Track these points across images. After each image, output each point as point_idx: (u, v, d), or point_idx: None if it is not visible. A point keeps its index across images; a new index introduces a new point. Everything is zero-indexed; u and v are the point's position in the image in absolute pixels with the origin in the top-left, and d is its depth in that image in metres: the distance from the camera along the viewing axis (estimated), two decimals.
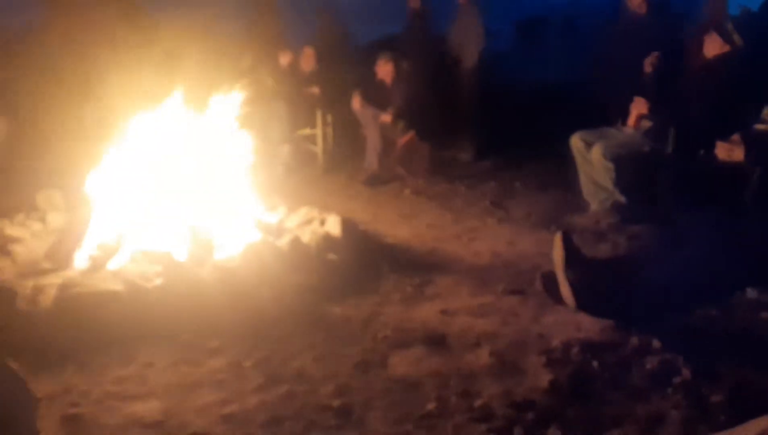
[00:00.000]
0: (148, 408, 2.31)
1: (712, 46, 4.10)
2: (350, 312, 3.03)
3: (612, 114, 4.61)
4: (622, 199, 4.36)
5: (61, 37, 4.63)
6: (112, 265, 3.26)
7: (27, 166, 4.46)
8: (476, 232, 4.28)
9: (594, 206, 4.48)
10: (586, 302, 2.89)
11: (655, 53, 4.25)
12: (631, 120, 4.31)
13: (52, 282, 3.00)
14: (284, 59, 5.89)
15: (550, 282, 3.06)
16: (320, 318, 2.98)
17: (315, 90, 5.84)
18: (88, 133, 3.60)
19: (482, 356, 2.62)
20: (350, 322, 2.95)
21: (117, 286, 2.90)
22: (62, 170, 3.95)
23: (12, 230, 3.61)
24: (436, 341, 2.75)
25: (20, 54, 4.59)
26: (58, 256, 3.28)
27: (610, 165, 4.29)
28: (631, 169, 4.32)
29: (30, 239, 3.54)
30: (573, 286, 2.92)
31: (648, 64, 4.26)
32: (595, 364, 2.53)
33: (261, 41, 6.11)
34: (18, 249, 3.40)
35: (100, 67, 4.15)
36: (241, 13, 6.24)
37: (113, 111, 3.64)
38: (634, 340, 2.68)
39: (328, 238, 3.54)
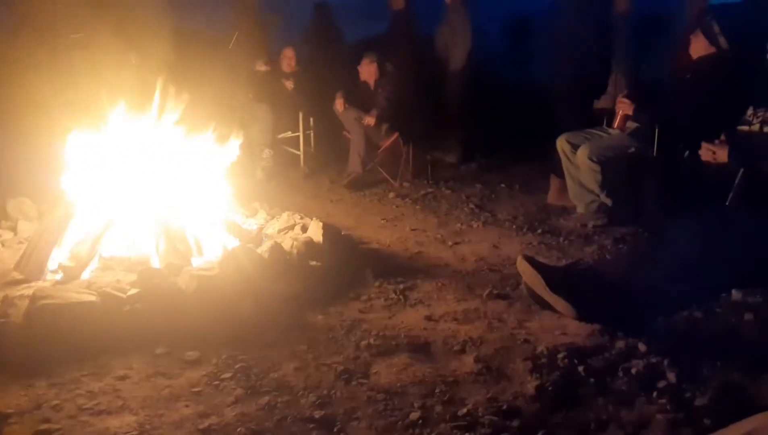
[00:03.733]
0: (122, 423, 2.23)
1: (699, 47, 4.08)
2: (333, 320, 2.97)
3: (568, 112, 4.61)
4: (608, 201, 4.35)
5: (32, 39, 4.51)
6: (85, 275, 3.18)
7: None
8: (461, 235, 4.25)
9: (580, 209, 4.47)
10: (585, 310, 2.85)
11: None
12: (617, 121, 4.30)
13: (23, 293, 2.91)
14: (261, 67, 5.83)
15: (533, 293, 3.03)
16: (302, 326, 2.91)
17: (289, 84, 5.78)
18: (60, 137, 3.51)
19: (467, 363, 2.57)
20: (333, 330, 2.88)
21: (90, 297, 2.81)
22: (33, 176, 3.86)
23: None
24: (421, 348, 2.71)
25: None
26: (29, 267, 3.19)
27: (596, 167, 4.28)
28: (617, 171, 4.31)
29: (0, 249, 3.44)
30: (568, 299, 2.88)
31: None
32: (581, 369, 2.49)
33: (243, 44, 6.04)
34: None
35: (74, 70, 4.05)
36: (223, 17, 6.16)
37: (87, 115, 3.54)
38: (620, 344, 2.66)
39: (309, 244, 3.48)
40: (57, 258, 3.27)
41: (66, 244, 3.31)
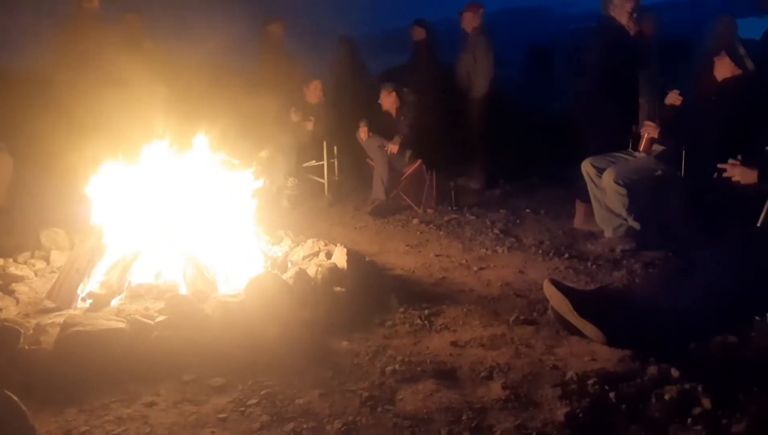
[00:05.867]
0: None
1: (724, 70, 4.06)
2: (358, 346, 2.96)
3: (595, 141, 4.57)
4: (636, 225, 4.29)
5: (67, 76, 4.70)
6: (114, 302, 3.23)
7: (32, 205, 4.49)
8: (486, 261, 4.22)
9: (608, 233, 4.41)
10: (615, 335, 2.80)
11: (677, 92, 4.19)
12: (643, 144, 4.26)
13: (55, 321, 2.96)
14: (295, 117, 5.90)
15: (561, 317, 2.98)
16: (327, 353, 2.90)
17: (309, 126, 5.85)
18: (92, 170, 3.60)
19: (495, 389, 2.53)
20: (358, 356, 2.87)
21: (119, 324, 2.85)
22: (66, 208, 3.95)
23: (16, 269, 3.60)
24: (447, 375, 2.67)
25: (26, 94, 4.67)
26: (61, 295, 3.25)
27: (623, 190, 4.23)
28: (644, 194, 4.26)
29: (33, 278, 3.52)
30: (597, 324, 2.83)
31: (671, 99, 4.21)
32: (612, 395, 2.44)
33: (269, 76, 6.18)
34: (21, 288, 3.38)
35: (106, 106, 4.19)
36: (249, 50, 6.33)
37: (119, 149, 3.64)
38: (652, 370, 2.60)
39: (334, 271, 3.49)
40: (88, 286, 3.32)
41: (96, 273, 3.37)
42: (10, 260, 3.72)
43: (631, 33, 4.56)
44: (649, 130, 4.23)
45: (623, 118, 4.62)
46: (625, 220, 4.31)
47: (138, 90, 3.90)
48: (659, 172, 4.28)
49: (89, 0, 5.29)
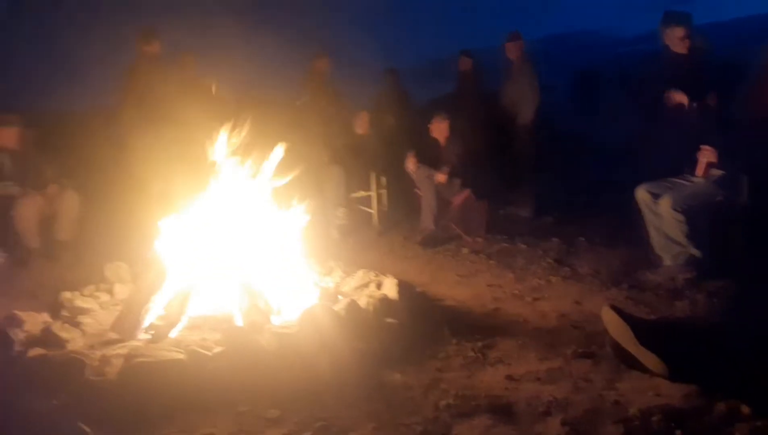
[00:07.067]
0: None
1: None
2: (411, 379, 2.93)
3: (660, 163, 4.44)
4: (697, 253, 4.12)
5: (130, 116, 4.94)
6: (174, 333, 3.31)
7: (97, 239, 4.69)
8: (540, 291, 4.14)
9: (667, 261, 4.26)
10: (678, 368, 2.68)
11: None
12: (700, 169, 4.13)
13: (119, 352, 3.05)
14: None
15: (619, 348, 2.88)
16: (380, 385, 2.88)
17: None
18: (154, 206, 3.75)
19: (553, 426, 2.45)
20: (411, 389, 2.84)
21: (179, 355, 2.92)
22: (129, 243, 4.11)
23: (82, 302, 3.75)
24: (503, 410, 2.60)
25: (93, 134, 4.93)
26: (124, 327, 3.36)
27: (681, 217, 4.09)
28: (704, 221, 4.11)
29: (98, 310, 3.66)
30: (660, 354, 2.72)
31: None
32: (678, 433, 2.33)
33: (317, 110, 6.32)
34: (87, 320, 3.51)
35: (166, 143, 4.37)
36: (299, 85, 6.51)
37: (178, 184, 3.78)
38: (721, 406, 2.46)
39: (385, 302, 3.49)
40: (149, 318, 3.43)
41: (157, 305, 3.48)
42: (77, 293, 3.88)
43: (686, 60, 4.46)
44: (706, 155, 4.10)
45: (682, 145, 4.49)
46: (685, 247, 4.16)
47: (195, 128, 4.06)
48: (719, 198, 4.13)
49: (149, 44, 5.56)
